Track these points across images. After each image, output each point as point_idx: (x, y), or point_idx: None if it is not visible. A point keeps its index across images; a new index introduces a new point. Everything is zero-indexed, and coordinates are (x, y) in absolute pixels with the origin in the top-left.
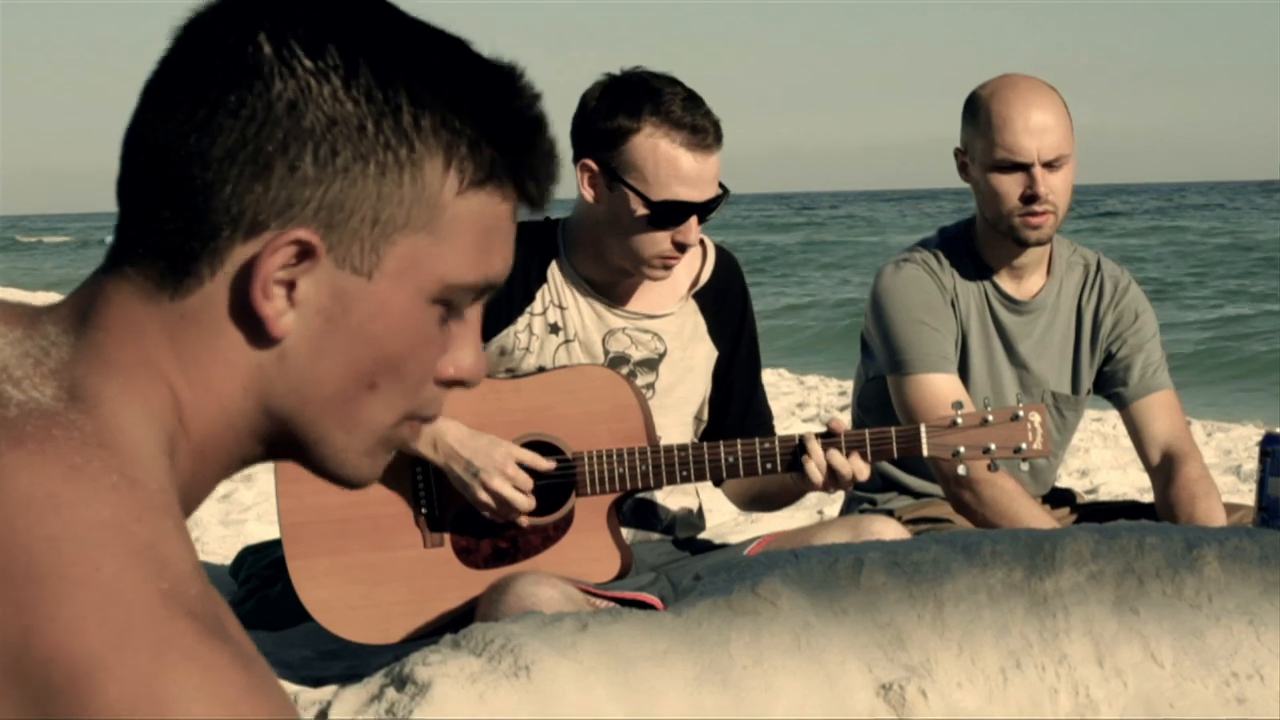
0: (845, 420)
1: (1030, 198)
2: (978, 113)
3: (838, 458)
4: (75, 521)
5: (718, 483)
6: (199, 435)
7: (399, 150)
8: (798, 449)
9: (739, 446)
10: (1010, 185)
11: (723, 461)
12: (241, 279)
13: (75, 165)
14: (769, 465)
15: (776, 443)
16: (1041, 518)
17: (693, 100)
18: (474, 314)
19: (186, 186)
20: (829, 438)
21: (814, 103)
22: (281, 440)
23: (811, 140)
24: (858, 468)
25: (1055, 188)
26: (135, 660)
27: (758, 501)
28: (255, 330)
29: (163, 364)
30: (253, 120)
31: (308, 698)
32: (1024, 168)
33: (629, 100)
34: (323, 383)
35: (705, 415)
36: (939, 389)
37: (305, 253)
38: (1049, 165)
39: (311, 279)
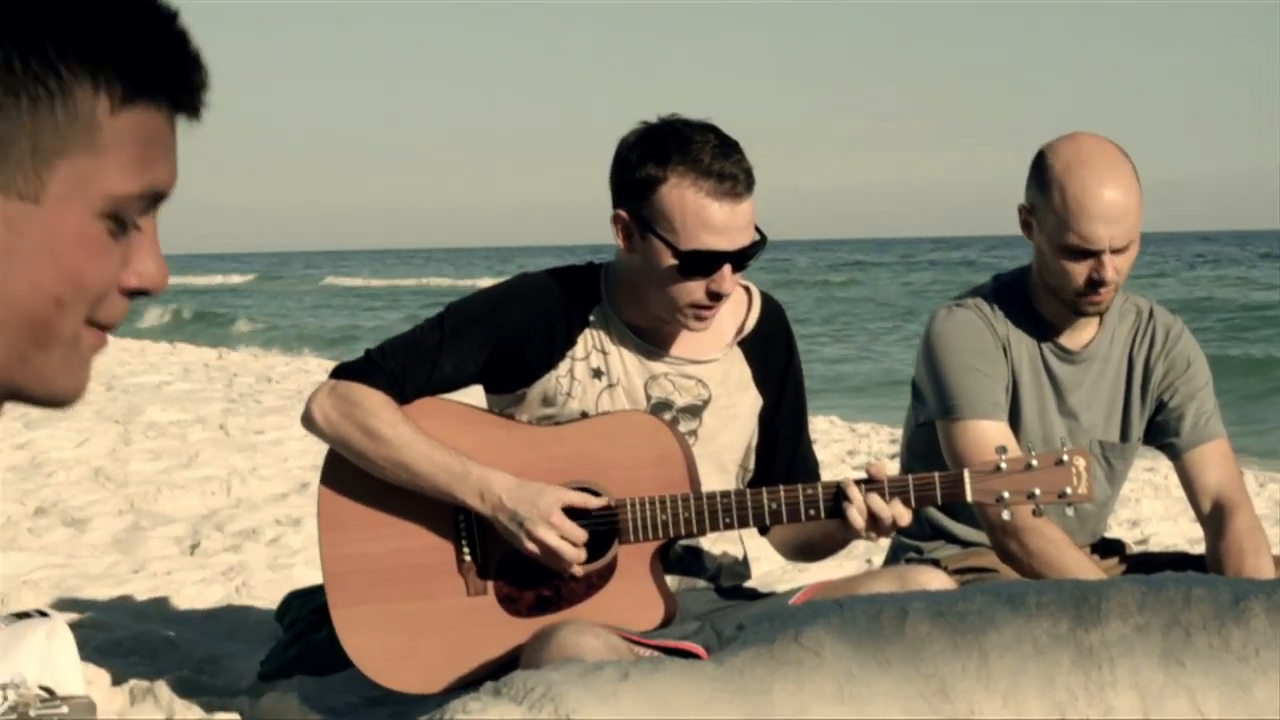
0: (889, 466)
1: (1097, 283)
2: (1049, 187)
3: (878, 502)
4: None
5: (763, 530)
6: None
7: (47, 81)
8: (838, 495)
9: (782, 492)
10: (1078, 269)
11: (765, 508)
12: None
13: None
14: (811, 511)
15: (820, 489)
16: (1088, 568)
17: (723, 148)
18: (150, 224)
19: None
20: (870, 483)
21: None
22: None
23: None
24: (899, 512)
25: (1121, 268)
26: None
27: (804, 551)
28: None
29: None
30: None
31: None
32: (1094, 254)
33: (658, 149)
34: (10, 306)
35: (751, 464)
36: (988, 435)
37: None
38: (1117, 251)
39: None
